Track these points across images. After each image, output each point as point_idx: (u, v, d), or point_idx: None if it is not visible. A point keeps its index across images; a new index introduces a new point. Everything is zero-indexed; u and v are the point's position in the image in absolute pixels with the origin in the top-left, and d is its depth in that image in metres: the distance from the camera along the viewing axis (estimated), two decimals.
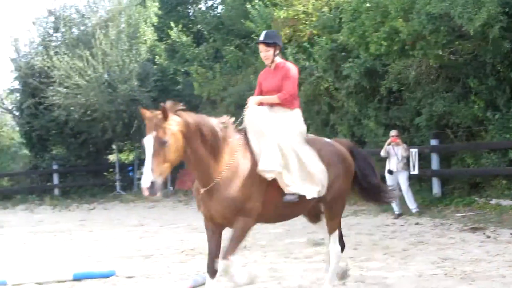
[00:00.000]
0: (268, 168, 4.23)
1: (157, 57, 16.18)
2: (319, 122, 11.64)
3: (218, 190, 4.27)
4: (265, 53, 4.69)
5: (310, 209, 4.83)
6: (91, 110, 15.86)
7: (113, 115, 15.92)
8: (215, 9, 16.76)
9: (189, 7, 16.66)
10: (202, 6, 17.12)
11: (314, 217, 5.04)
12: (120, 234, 9.32)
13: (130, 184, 17.65)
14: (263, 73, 4.88)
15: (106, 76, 15.91)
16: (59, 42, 18.08)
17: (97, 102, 15.75)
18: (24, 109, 17.60)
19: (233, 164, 4.31)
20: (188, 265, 6.59)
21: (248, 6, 12.90)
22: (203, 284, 4.94)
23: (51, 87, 16.30)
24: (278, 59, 4.75)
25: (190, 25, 15.56)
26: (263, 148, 4.34)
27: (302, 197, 4.41)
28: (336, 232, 4.82)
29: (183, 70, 14.41)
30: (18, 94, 19.05)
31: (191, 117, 4.23)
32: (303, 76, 10.77)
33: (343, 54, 10.66)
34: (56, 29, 18.42)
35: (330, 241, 4.82)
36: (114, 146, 18.22)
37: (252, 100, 4.60)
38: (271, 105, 4.63)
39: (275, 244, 7.58)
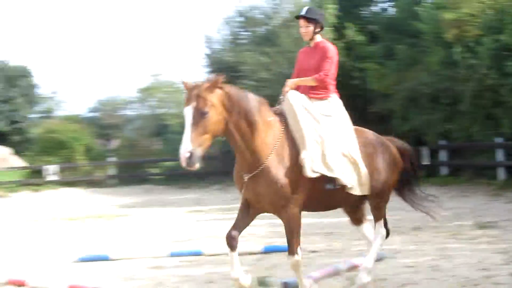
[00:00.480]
0: (309, 166, 4.07)
1: None
2: (483, 116, 12.47)
3: (267, 175, 4.05)
4: (305, 28, 4.47)
5: (353, 211, 4.86)
6: (276, 102, 17.69)
7: None
8: (387, 11, 17.75)
9: (364, 9, 17.86)
10: (376, 9, 18.14)
11: (356, 220, 4.95)
12: None
13: None
14: (302, 51, 4.65)
15: (289, 71, 17.49)
16: (247, 40, 20.05)
17: (281, 94, 17.47)
18: None
19: (279, 147, 4.11)
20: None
21: (418, 8, 13.88)
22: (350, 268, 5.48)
23: (240, 81, 17.51)
24: (319, 38, 4.53)
25: (365, 26, 16.42)
26: (304, 139, 4.14)
27: (343, 186, 4.26)
28: (381, 221, 4.81)
29: (358, 66, 15.40)
30: None
31: (233, 90, 4.09)
32: (470, 73, 11.86)
33: (506, 53, 11.41)
34: (245, 29, 20.46)
35: (375, 227, 4.82)
36: None
37: (289, 83, 4.41)
38: (309, 89, 4.42)
39: (444, 226, 7.88)
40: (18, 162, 21.51)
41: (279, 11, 19.37)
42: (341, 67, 15.15)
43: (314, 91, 4.43)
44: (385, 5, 18.09)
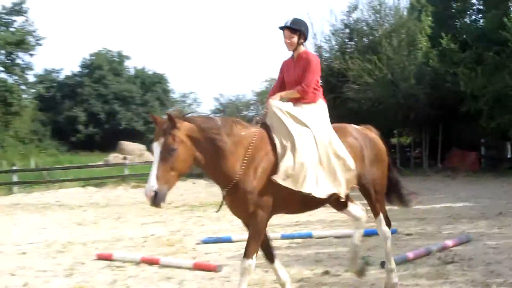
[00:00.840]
0: (281, 175, 3.95)
1: (430, 60, 18.65)
2: None
3: (238, 188, 3.97)
4: (289, 39, 4.36)
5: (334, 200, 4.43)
6: (377, 103, 18.85)
7: (394, 107, 18.68)
8: (478, 22, 19.33)
9: (457, 20, 19.30)
10: (468, 20, 19.68)
11: (339, 206, 4.67)
12: None
13: (407, 161, 21.09)
14: (286, 62, 4.55)
15: (389, 76, 18.73)
16: (352, 49, 21.50)
17: (382, 96, 18.64)
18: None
19: (249, 158, 4.00)
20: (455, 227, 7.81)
21: (506, 19, 15.51)
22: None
23: (346, 85, 19.36)
24: (302, 49, 4.44)
25: (457, 35, 17.99)
26: (285, 146, 4.04)
27: None
28: (381, 216, 4.57)
29: (451, 71, 16.97)
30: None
31: (197, 121, 3.96)
32: None
33: None
34: (350, 39, 22.29)
35: (377, 224, 4.64)
36: (395, 132, 21.73)
37: (274, 97, 4.31)
38: (294, 100, 4.31)
39: None
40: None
41: (382, 23, 21.07)
42: (435, 72, 16.90)
43: (297, 101, 4.34)
44: (476, 17, 19.82)
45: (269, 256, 4.37)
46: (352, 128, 4.63)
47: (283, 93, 4.38)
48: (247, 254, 4.03)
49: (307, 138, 4.15)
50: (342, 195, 4.24)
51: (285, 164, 4.00)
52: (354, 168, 4.29)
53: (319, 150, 4.16)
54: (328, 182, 4.16)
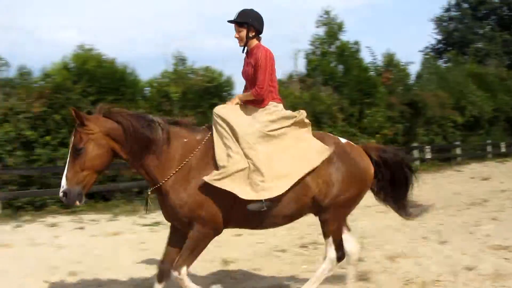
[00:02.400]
0: (212, 178, 3.61)
1: None
2: None
3: (166, 194, 3.71)
4: (237, 33, 4.00)
5: None
6: None
7: None
8: None
9: None
10: None
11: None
12: None
13: None
14: (244, 58, 4.13)
15: None
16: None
17: None
18: None
19: (185, 166, 3.72)
20: None
21: None
22: None
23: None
24: (254, 43, 4.02)
25: None
26: (218, 156, 3.71)
27: (275, 204, 3.73)
28: (331, 239, 4.02)
29: None
30: None
31: (123, 118, 3.67)
32: None
33: None
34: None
35: (326, 245, 4.07)
36: None
37: (236, 97, 4.09)
38: (250, 102, 3.98)
39: None
40: None
41: None
42: None
43: (253, 104, 4.00)
44: None
45: (160, 274, 3.97)
46: (330, 141, 4.05)
47: (241, 96, 4.07)
48: (174, 266, 3.72)
49: (241, 143, 3.74)
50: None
51: (222, 168, 3.67)
52: (298, 174, 3.78)
53: (249, 156, 3.71)
54: (254, 187, 3.68)
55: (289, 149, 3.87)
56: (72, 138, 3.59)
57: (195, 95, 11.73)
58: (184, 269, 3.68)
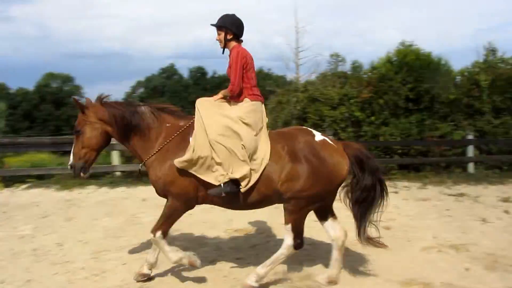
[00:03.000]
0: (179, 160, 4.08)
1: None
2: None
3: (147, 170, 4.32)
4: (217, 36, 4.38)
5: (316, 209, 4.34)
6: None
7: None
8: None
9: None
10: None
11: (320, 216, 4.51)
12: None
13: None
14: None
15: None
16: None
17: None
18: None
19: (164, 148, 4.22)
20: None
21: None
22: None
23: None
24: (232, 44, 4.35)
25: None
26: (192, 139, 4.14)
27: (236, 192, 4.06)
28: (290, 226, 4.19)
29: None
30: None
31: (113, 106, 4.33)
32: None
33: None
34: None
35: (285, 232, 4.25)
36: None
37: (216, 96, 4.40)
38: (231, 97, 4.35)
39: None
40: None
41: None
42: None
43: (232, 98, 4.38)
44: None
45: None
46: (304, 138, 4.25)
47: (223, 91, 4.38)
48: (152, 229, 4.30)
49: (214, 130, 4.10)
50: (246, 183, 4.11)
51: (188, 153, 4.06)
52: (261, 164, 4.08)
53: (215, 144, 4.06)
54: (218, 171, 4.07)
55: (254, 143, 4.15)
56: (75, 122, 4.34)
57: (504, 82, 12.14)
58: (159, 233, 4.25)
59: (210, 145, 4.10)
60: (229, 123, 4.14)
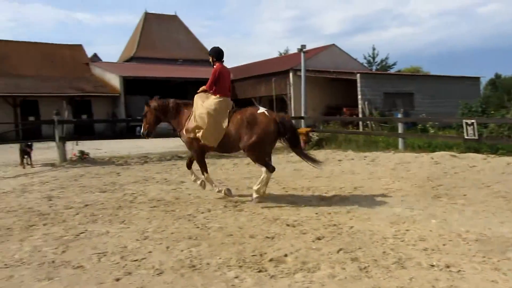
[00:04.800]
0: (185, 133, 7.02)
1: None
2: None
3: (180, 135, 7.28)
4: (210, 59, 7.15)
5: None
6: None
7: None
8: None
9: None
10: None
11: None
12: None
13: None
14: None
15: None
16: None
17: None
18: None
19: (186, 123, 7.07)
20: None
21: None
22: None
23: None
24: (216, 64, 7.01)
25: None
26: (192, 119, 6.94)
27: (220, 144, 6.77)
28: (257, 164, 6.85)
29: None
30: None
31: (158, 102, 7.39)
32: None
33: None
34: None
35: (258, 167, 7.17)
36: None
37: (200, 89, 7.18)
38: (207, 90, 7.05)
39: None
40: None
41: None
42: None
43: (210, 94, 7.01)
44: None
45: (189, 165, 7.53)
46: (247, 112, 6.72)
47: (203, 87, 7.13)
48: (201, 172, 7.29)
49: (198, 112, 6.85)
50: (214, 144, 6.81)
51: (189, 125, 6.99)
52: (222, 131, 6.68)
53: (199, 119, 6.80)
54: (211, 137, 6.75)
55: (217, 119, 6.74)
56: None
57: None
58: (204, 174, 7.23)
59: (197, 121, 6.87)
60: (203, 109, 6.87)
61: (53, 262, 4.25)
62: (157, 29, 45.86)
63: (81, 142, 14.71)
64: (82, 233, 5.27)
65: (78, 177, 10.05)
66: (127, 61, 42.98)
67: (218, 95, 6.89)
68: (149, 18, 46.54)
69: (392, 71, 48.75)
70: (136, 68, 35.44)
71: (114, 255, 4.39)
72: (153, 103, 7.44)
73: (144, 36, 44.87)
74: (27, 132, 25.05)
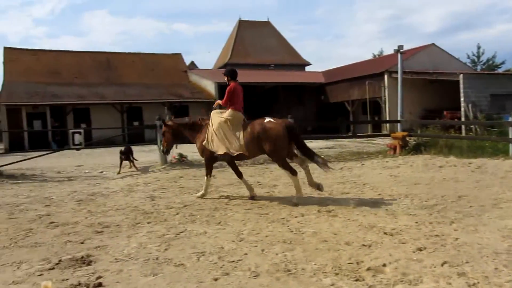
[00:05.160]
0: (205, 144, 7.70)
1: None
2: None
3: (196, 144, 8.05)
4: (224, 78, 7.91)
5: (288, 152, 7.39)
6: None
7: None
8: None
9: None
10: None
11: (291, 157, 7.56)
12: None
13: None
14: None
15: None
16: None
17: None
18: None
19: (202, 135, 7.82)
20: None
21: None
22: None
23: None
24: (230, 83, 7.72)
25: None
26: (208, 132, 7.71)
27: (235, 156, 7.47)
28: (282, 167, 7.30)
29: None
30: None
31: (175, 122, 8.38)
32: None
33: None
34: None
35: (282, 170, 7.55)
36: None
37: (215, 104, 8.43)
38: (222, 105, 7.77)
39: None
40: None
41: None
42: None
43: (226, 108, 7.77)
44: None
45: (239, 174, 8.07)
46: (257, 122, 7.41)
47: (219, 101, 7.97)
48: (206, 173, 8.14)
49: (215, 126, 7.62)
50: (233, 153, 7.45)
51: (207, 138, 7.71)
52: (241, 143, 7.36)
53: (218, 133, 7.56)
54: (222, 147, 7.51)
55: (230, 130, 7.51)
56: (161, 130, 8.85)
57: None
58: (206, 176, 8.04)
59: (214, 133, 7.70)
60: (219, 124, 7.64)
61: (157, 258, 4.51)
62: (250, 35, 47.03)
63: (179, 145, 15.54)
64: (182, 232, 5.54)
65: (177, 179, 10.62)
66: (222, 67, 44.67)
67: (232, 110, 7.65)
68: (242, 25, 47.95)
69: (500, 70, 44.96)
70: None
71: (212, 255, 4.55)
72: (170, 123, 8.43)
73: (238, 43, 46.29)
74: (132, 136, 27.09)
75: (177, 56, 38.24)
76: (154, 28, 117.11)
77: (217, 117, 7.68)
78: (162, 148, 8.83)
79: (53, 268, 4.29)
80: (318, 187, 7.33)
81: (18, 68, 31.12)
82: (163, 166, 12.89)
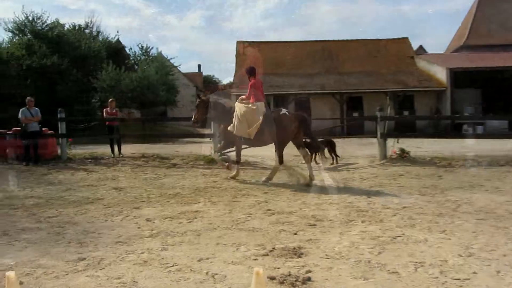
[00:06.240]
0: (231, 128, 9.71)
1: None
2: None
3: (218, 127, 10.94)
4: (247, 76, 9.91)
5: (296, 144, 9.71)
6: None
7: None
8: None
9: None
10: None
11: (298, 146, 9.72)
12: None
13: None
14: None
15: None
16: None
17: None
18: None
19: (232, 120, 9.74)
20: None
21: None
22: None
23: None
24: (251, 79, 9.72)
25: None
26: (234, 118, 9.68)
27: (254, 139, 9.53)
28: (277, 152, 9.46)
29: None
30: None
31: (211, 97, 10.49)
32: None
33: None
34: None
35: (275, 156, 9.69)
36: None
37: (242, 96, 9.94)
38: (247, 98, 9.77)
39: None
40: None
41: None
42: None
43: (248, 99, 9.74)
44: None
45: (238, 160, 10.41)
46: (275, 112, 9.71)
47: (243, 96, 9.84)
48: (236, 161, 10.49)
49: (239, 113, 9.58)
50: (251, 136, 9.50)
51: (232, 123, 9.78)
52: (256, 126, 9.39)
53: (241, 119, 9.53)
54: (243, 130, 9.51)
55: (254, 118, 9.40)
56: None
57: None
58: (237, 164, 10.32)
59: (238, 119, 9.55)
60: (242, 109, 9.56)
61: (369, 261, 4.43)
62: (493, 12, 41.95)
63: (401, 140, 15.01)
64: (399, 236, 5.32)
65: (397, 176, 10.30)
66: (456, 51, 41.21)
67: (255, 101, 9.49)
68: (483, 1, 43.12)
69: None
70: (465, 58, 33.55)
71: (433, 268, 4.23)
72: (203, 97, 10.33)
73: (477, 21, 41.86)
74: (351, 128, 27.46)
75: (404, 41, 36.87)
76: (376, 11, 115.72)
77: (242, 105, 9.59)
78: (193, 118, 10.44)
79: (267, 255, 4.67)
80: (310, 178, 9.38)
81: (246, 60, 35.02)
82: (382, 162, 12.69)
